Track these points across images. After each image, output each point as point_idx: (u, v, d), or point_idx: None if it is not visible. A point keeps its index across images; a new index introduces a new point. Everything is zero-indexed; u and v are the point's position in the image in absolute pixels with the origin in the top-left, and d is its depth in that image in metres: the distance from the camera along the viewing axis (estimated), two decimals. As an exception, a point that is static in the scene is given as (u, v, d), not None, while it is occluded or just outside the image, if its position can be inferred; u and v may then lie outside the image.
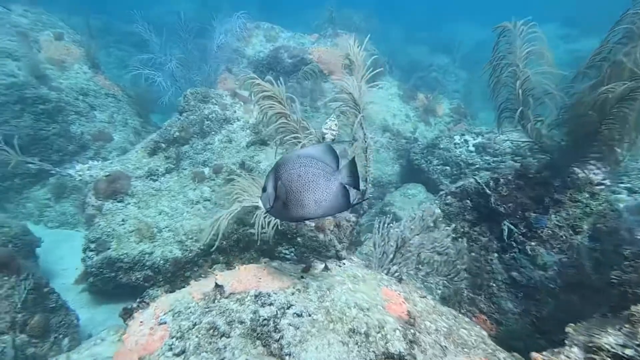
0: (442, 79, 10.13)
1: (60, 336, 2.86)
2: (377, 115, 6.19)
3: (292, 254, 4.30)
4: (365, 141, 2.07)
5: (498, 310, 2.23)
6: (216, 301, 1.91)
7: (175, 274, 3.88)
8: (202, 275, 3.84)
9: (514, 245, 2.47)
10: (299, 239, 4.00)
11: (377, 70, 2.29)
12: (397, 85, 7.52)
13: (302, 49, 6.14)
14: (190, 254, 3.90)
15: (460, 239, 2.42)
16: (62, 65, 5.78)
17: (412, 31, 14.03)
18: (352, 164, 1.76)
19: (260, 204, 1.87)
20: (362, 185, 2.14)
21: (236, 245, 4.10)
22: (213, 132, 4.65)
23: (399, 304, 1.63)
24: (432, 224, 1.99)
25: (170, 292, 2.63)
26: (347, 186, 1.75)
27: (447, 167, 5.00)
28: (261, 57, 6.29)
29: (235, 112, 4.78)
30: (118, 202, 4.17)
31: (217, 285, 1.98)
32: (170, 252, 3.86)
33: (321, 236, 3.87)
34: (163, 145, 4.69)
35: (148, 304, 2.57)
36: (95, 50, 6.19)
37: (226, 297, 1.93)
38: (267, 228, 2.10)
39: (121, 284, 3.83)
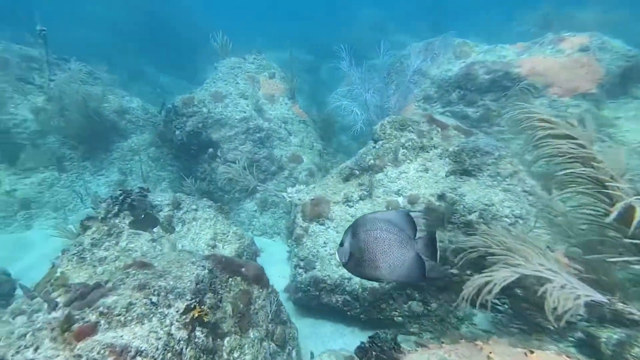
0: None
1: (291, 348, 3.12)
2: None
3: (506, 307, 3.67)
4: None
5: None
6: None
7: (373, 304, 3.87)
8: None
9: None
10: (517, 290, 3.38)
11: None
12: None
13: (505, 63, 5.37)
14: (386, 286, 3.83)
15: None
16: (272, 99, 6.98)
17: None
18: (432, 236, 1.81)
19: (337, 256, 2.01)
20: None
21: (432, 283, 3.85)
22: (408, 161, 4.54)
23: None
24: None
25: (412, 340, 2.52)
26: (423, 257, 1.80)
27: None
28: (448, 76, 5.91)
29: (432, 139, 4.55)
30: (320, 224, 4.52)
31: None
32: (368, 281, 3.87)
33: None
34: (357, 172, 4.89)
35: (382, 349, 2.52)
36: (294, 84, 7.24)
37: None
38: (567, 305, 1.66)
39: (322, 303, 4.09)
